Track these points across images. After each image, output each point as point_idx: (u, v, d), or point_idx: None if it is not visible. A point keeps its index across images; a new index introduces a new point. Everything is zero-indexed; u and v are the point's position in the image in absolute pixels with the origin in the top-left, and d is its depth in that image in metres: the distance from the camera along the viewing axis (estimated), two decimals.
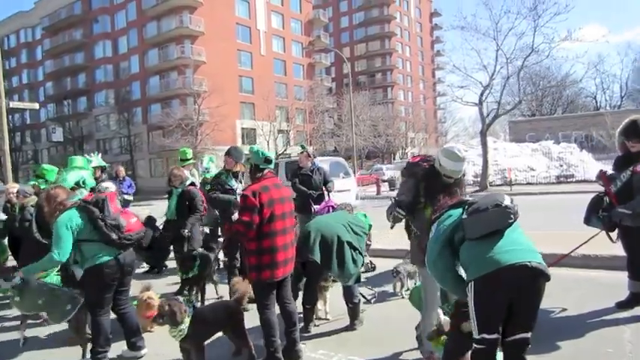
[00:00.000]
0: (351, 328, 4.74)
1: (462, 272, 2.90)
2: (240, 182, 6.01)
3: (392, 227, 3.84)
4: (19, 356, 4.61)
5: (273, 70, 53.36)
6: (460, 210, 2.89)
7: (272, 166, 4.03)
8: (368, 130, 50.46)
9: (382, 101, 65.06)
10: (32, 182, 5.51)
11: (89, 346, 4.14)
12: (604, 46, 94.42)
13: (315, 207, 7.02)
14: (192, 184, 6.88)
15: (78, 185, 4.69)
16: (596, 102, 54.29)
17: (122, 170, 10.62)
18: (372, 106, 54.96)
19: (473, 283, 2.66)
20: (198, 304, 3.92)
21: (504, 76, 21.75)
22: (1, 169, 14.65)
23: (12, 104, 18.82)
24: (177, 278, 7.13)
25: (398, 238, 8.38)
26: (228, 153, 6.13)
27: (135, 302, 4.71)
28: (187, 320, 3.57)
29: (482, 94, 21.19)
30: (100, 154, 6.39)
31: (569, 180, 21.78)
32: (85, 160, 5.27)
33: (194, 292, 5.63)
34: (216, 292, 6.14)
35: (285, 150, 42.09)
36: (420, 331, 3.89)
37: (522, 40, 31.36)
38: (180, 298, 3.81)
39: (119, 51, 52.79)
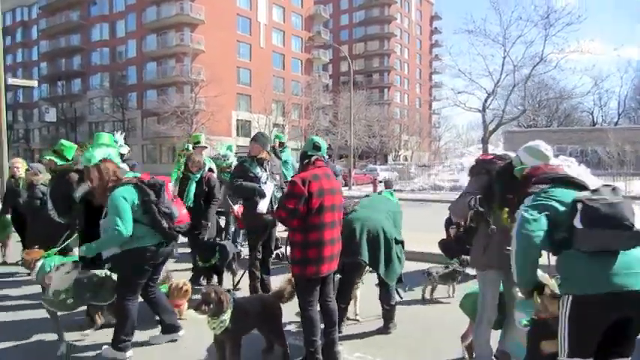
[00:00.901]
0: (385, 331, 4.50)
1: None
2: (265, 170, 5.68)
3: (463, 229, 3.57)
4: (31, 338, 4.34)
5: (272, 63, 53.07)
6: (571, 194, 2.47)
7: (322, 152, 3.77)
8: (363, 130, 50.19)
9: (378, 102, 64.80)
10: (48, 157, 5.16)
11: None
12: (605, 62, 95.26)
13: None
14: (211, 170, 6.59)
15: None
16: (593, 117, 53.96)
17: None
18: (368, 106, 54.71)
19: (573, 298, 2.37)
20: (237, 296, 3.66)
21: (510, 84, 21.67)
22: None
23: (10, 81, 18.38)
24: (176, 266, 6.83)
25: (412, 240, 8.22)
26: (254, 139, 5.80)
27: (164, 288, 4.48)
28: (229, 312, 3.31)
29: (486, 101, 21.08)
30: (124, 135, 5.99)
31: None
32: (111, 137, 4.95)
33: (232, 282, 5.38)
34: (233, 284, 5.86)
35: None
36: (470, 342, 3.66)
37: (531, 48, 31.26)
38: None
39: (116, 34, 52.04)
